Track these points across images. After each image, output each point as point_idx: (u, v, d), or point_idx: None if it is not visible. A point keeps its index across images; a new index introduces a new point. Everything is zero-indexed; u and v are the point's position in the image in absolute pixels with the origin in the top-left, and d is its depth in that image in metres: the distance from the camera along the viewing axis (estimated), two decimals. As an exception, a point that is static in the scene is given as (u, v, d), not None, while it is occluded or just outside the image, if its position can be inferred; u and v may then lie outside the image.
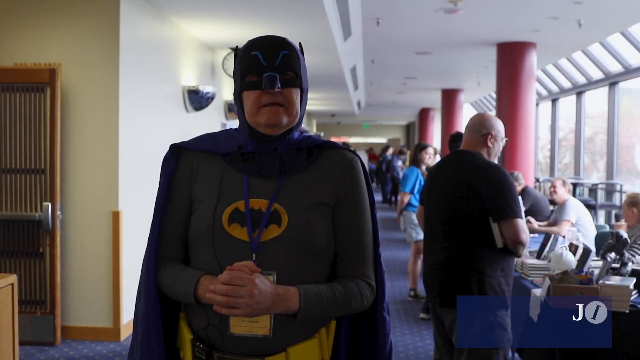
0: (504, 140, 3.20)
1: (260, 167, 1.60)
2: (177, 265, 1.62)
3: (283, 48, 1.59)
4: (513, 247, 2.96)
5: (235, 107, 1.66)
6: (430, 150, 6.86)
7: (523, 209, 3.18)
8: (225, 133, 1.70)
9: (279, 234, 1.55)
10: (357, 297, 1.60)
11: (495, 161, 3.18)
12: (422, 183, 6.39)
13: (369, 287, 1.63)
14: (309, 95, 11.16)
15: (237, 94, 1.63)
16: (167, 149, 1.69)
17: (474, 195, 3.00)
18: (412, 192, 6.60)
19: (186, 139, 1.72)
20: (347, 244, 1.63)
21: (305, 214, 1.58)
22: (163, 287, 1.61)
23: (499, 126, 3.18)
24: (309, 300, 1.52)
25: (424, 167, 6.71)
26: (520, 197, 3.14)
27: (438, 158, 8.89)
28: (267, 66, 1.57)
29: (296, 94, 1.60)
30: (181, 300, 1.59)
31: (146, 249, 1.64)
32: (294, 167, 1.62)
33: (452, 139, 6.10)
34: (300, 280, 1.55)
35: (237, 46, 1.67)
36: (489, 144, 3.14)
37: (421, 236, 6.35)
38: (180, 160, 1.67)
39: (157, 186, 1.67)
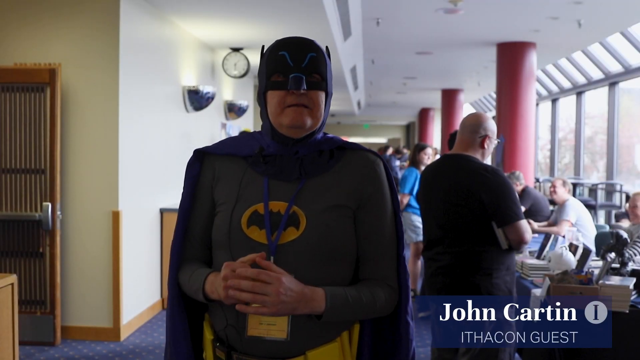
0: (496, 142, 3.23)
1: (281, 170, 1.59)
2: (194, 265, 1.63)
3: (311, 50, 1.58)
4: (518, 247, 3.04)
5: (259, 107, 1.65)
6: (429, 150, 6.84)
7: (523, 208, 3.21)
8: (249, 136, 1.69)
9: (297, 236, 1.54)
10: (382, 300, 1.58)
11: (488, 161, 3.20)
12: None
13: (392, 291, 1.62)
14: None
15: (262, 93, 1.61)
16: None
17: (474, 201, 3.02)
18: (411, 193, 6.59)
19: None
20: (369, 247, 1.61)
21: (324, 217, 1.56)
22: (182, 287, 1.64)
23: (494, 127, 3.21)
24: (335, 302, 1.50)
25: (422, 168, 6.69)
26: (518, 197, 3.16)
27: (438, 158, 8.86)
28: (293, 67, 1.55)
29: (321, 97, 1.58)
30: (196, 299, 1.60)
31: (170, 251, 1.67)
32: (315, 170, 1.60)
33: (452, 138, 6.08)
34: (319, 283, 1.52)
35: (263, 45, 1.67)
36: (485, 145, 3.15)
37: (421, 237, 6.34)
38: (203, 165, 1.68)
39: (182, 190, 1.70)
